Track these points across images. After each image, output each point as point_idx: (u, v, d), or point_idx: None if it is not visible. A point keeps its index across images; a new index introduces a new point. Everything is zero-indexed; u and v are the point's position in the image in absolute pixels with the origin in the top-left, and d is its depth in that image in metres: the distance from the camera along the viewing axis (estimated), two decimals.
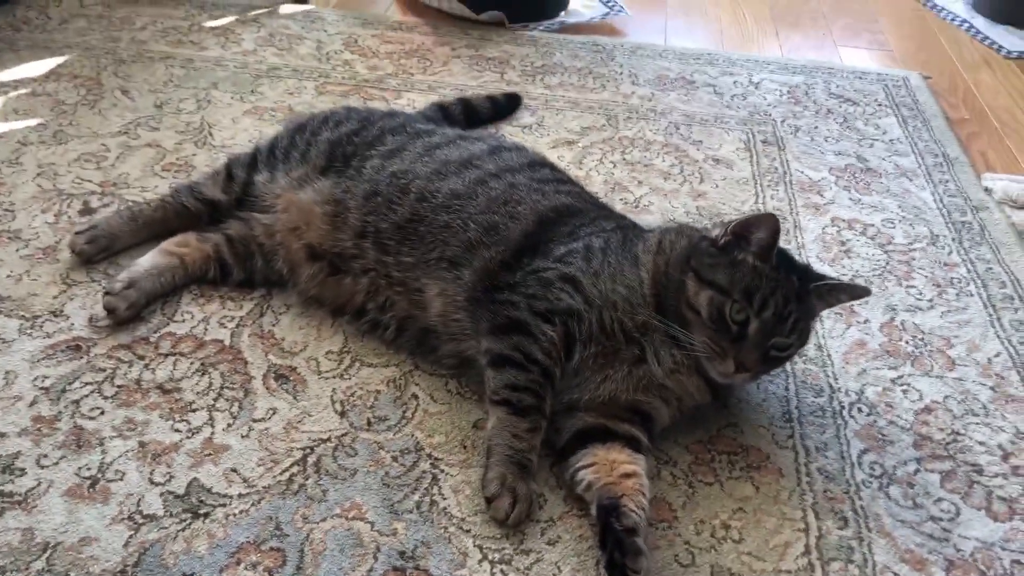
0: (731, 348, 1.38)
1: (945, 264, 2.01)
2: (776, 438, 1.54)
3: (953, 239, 2.10)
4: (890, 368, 1.71)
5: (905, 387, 1.67)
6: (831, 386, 1.65)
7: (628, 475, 1.35)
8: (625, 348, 1.45)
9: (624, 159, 2.31)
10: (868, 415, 1.60)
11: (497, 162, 1.69)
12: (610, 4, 3.28)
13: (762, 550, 1.34)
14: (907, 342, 1.78)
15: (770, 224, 1.40)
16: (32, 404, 1.48)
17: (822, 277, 1.49)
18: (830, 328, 1.78)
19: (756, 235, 1.42)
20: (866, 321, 1.82)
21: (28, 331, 1.61)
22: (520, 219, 1.57)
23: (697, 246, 1.48)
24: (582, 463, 1.39)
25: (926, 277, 1.96)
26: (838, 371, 1.69)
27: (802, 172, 2.32)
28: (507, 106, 2.46)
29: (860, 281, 1.92)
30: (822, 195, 2.23)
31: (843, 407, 1.61)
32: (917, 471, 1.50)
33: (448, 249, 1.56)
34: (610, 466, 1.37)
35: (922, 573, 1.33)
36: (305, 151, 1.77)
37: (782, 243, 1.83)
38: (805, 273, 1.48)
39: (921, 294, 1.91)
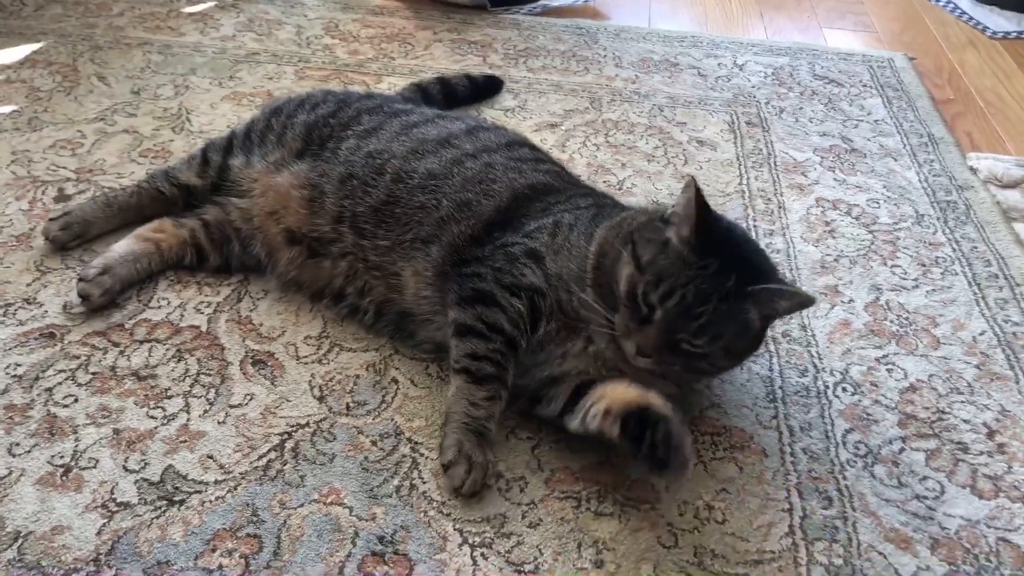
0: (637, 330, 1.32)
1: (930, 243, 1.99)
2: (760, 418, 1.52)
3: (938, 219, 2.08)
4: (875, 347, 1.69)
5: (890, 366, 1.65)
6: (815, 366, 1.64)
7: (644, 394, 1.33)
8: (580, 325, 1.42)
9: (608, 142, 2.29)
10: (853, 394, 1.59)
11: (475, 142, 1.67)
12: None
13: (746, 530, 1.33)
14: (892, 321, 1.76)
15: (688, 192, 1.31)
16: (4, 392, 1.45)
17: (768, 280, 1.34)
18: (814, 308, 1.77)
19: (677, 210, 1.35)
20: (851, 301, 1.80)
21: (0, 319, 1.59)
22: (494, 196, 1.56)
23: (648, 221, 1.41)
24: (591, 401, 1.36)
25: (911, 256, 1.95)
26: (822, 351, 1.67)
27: (786, 153, 2.30)
28: (486, 87, 2.43)
29: (844, 262, 1.91)
30: (806, 176, 2.22)
31: (827, 387, 1.60)
32: (902, 450, 1.49)
33: (422, 229, 1.54)
34: (623, 391, 1.34)
35: (907, 552, 1.32)
36: (281, 134, 1.74)
37: (767, 228, 1.82)
38: (752, 274, 1.33)
39: (906, 273, 1.90)
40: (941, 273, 1.90)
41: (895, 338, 1.72)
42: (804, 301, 1.36)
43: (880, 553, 1.31)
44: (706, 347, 1.31)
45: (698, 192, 1.31)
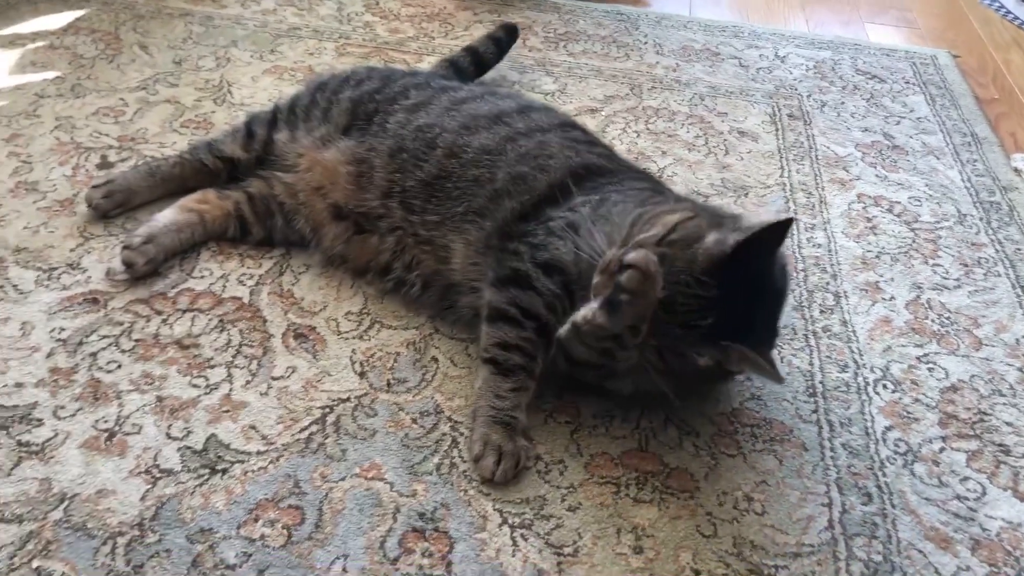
0: (615, 271, 1.26)
1: (972, 244, 1.98)
2: (800, 412, 1.52)
3: (981, 219, 2.06)
4: (916, 346, 1.68)
5: (931, 365, 1.64)
6: (856, 362, 1.63)
7: None
8: None
9: (648, 129, 2.28)
10: (893, 392, 1.58)
11: (527, 121, 1.66)
12: None
13: (785, 523, 1.32)
14: (933, 320, 1.75)
15: (765, 218, 1.27)
16: (49, 355, 1.46)
17: (755, 343, 1.29)
18: (855, 304, 1.76)
19: (742, 221, 1.33)
20: (891, 298, 1.79)
21: (45, 283, 1.60)
22: (549, 171, 1.55)
23: (718, 213, 1.41)
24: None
25: (953, 256, 1.93)
26: (863, 347, 1.66)
27: (828, 147, 2.28)
28: (507, 40, 2.39)
29: (886, 259, 1.89)
30: (848, 171, 2.20)
31: (868, 383, 1.59)
32: (943, 449, 1.48)
33: (474, 201, 1.54)
34: None
35: (947, 551, 1.31)
36: (327, 110, 1.74)
37: (808, 221, 1.81)
38: (743, 331, 1.27)
39: (948, 273, 1.88)
40: (984, 274, 1.88)
41: (936, 337, 1.71)
42: (770, 376, 1.30)
43: (920, 551, 1.30)
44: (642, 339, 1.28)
45: (779, 230, 1.27)
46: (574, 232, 1.43)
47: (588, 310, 1.29)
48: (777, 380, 1.31)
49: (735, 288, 1.27)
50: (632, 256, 1.22)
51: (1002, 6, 3.25)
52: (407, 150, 1.61)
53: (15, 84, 2.17)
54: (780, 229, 1.28)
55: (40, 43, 2.36)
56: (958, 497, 1.40)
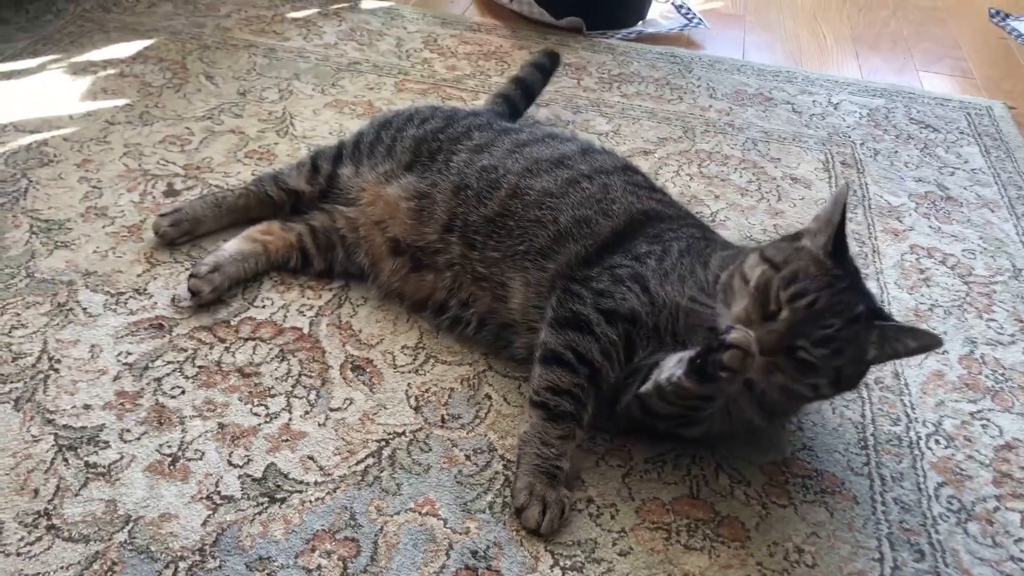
0: (760, 323, 1.30)
1: None
2: (851, 464, 1.52)
3: None
4: (969, 401, 1.67)
5: (984, 422, 1.63)
6: (908, 415, 1.63)
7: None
8: (672, 345, 1.41)
9: (701, 172, 2.30)
10: (946, 448, 1.57)
11: (591, 163, 1.69)
12: (689, 16, 3.27)
13: None
14: (987, 376, 1.74)
15: (839, 197, 1.35)
16: (116, 379, 1.50)
17: (888, 319, 1.36)
18: (908, 358, 1.75)
19: (817, 217, 1.39)
20: (945, 352, 1.78)
21: (113, 307, 1.65)
22: (612, 217, 1.57)
23: (773, 242, 1.45)
24: (667, 359, 1.36)
25: (1008, 311, 1.92)
26: (915, 400, 1.66)
27: (881, 197, 2.29)
28: (550, 65, 2.43)
29: (939, 312, 1.89)
30: (901, 221, 2.20)
31: (920, 438, 1.59)
32: (997, 509, 1.47)
33: (536, 241, 1.57)
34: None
35: None
36: (391, 147, 1.78)
37: (861, 271, 1.81)
38: (876, 311, 1.34)
39: (1002, 328, 1.87)
40: None
41: (990, 393, 1.70)
42: (932, 342, 1.33)
43: None
44: (823, 361, 1.29)
45: (842, 203, 1.33)
46: (641, 286, 1.45)
47: (674, 372, 1.30)
48: (938, 342, 1.33)
49: (851, 272, 1.35)
50: (734, 336, 1.22)
51: None
52: (471, 187, 1.65)
53: (87, 110, 2.24)
54: (843, 205, 1.35)
55: (111, 71, 2.44)
56: (1012, 558, 1.38)
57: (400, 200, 1.69)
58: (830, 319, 1.28)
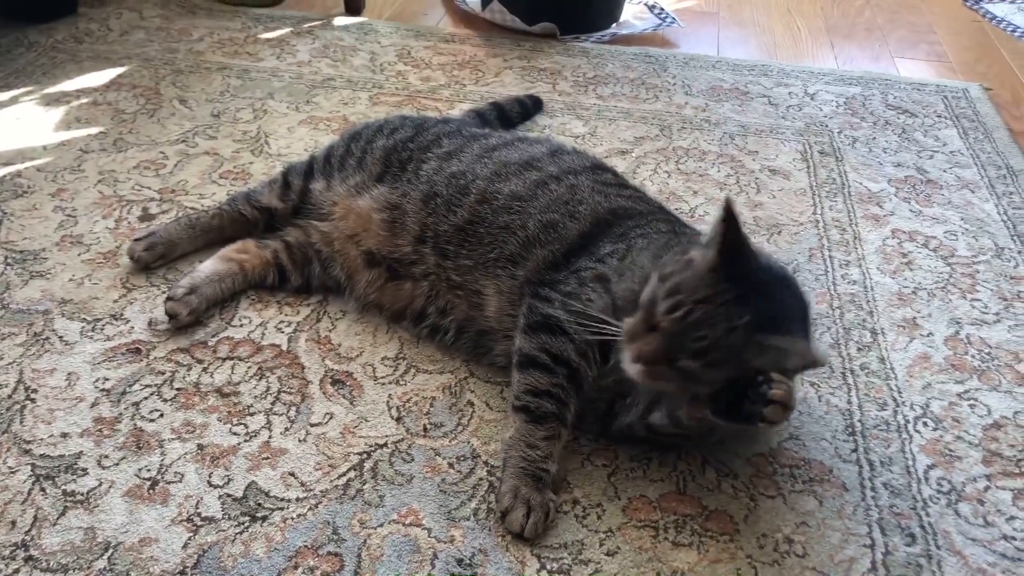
0: (641, 336, 1.28)
1: (1011, 277, 1.95)
2: (839, 451, 1.50)
3: (1019, 252, 2.04)
4: (956, 382, 1.66)
5: (972, 402, 1.62)
6: (895, 399, 1.61)
7: None
8: None
9: (679, 169, 2.29)
10: (934, 430, 1.56)
11: (559, 164, 1.68)
12: (662, 16, 3.27)
13: (827, 565, 1.31)
14: (973, 356, 1.73)
15: (720, 214, 1.26)
16: (93, 405, 1.49)
17: (785, 334, 1.26)
18: (893, 341, 1.74)
19: (709, 230, 1.32)
20: (930, 334, 1.77)
21: (89, 334, 1.63)
22: (579, 219, 1.56)
23: (691, 240, 1.41)
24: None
25: (991, 290, 1.91)
26: (902, 384, 1.65)
27: (861, 183, 2.28)
28: (533, 107, 2.47)
29: (923, 295, 1.88)
30: (882, 207, 2.19)
31: (908, 421, 1.57)
32: (987, 488, 1.45)
33: (507, 248, 1.56)
34: None
35: None
36: (361, 159, 1.77)
37: (842, 258, 1.80)
38: (770, 322, 1.25)
39: (987, 307, 1.86)
40: None
41: (977, 373, 1.69)
42: (810, 362, 1.28)
43: None
44: (702, 373, 1.26)
45: (729, 215, 1.26)
46: (603, 285, 1.44)
47: (696, 408, 1.30)
48: (817, 363, 1.29)
49: (746, 283, 1.27)
50: (776, 392, 1.22)
51: None
52: (440, 196, 1.64)
53: (60, 140, 2.24)
54: (731, 213, 1.26)
55: (84, 100, 2.44)
56: (1005, 537, 1.37)
57: (372, 212, 1.68)
58: (703, 331, 1.24)
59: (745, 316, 1.23)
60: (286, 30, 2.96)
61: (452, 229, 1.60)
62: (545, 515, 1.32)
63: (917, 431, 1.55)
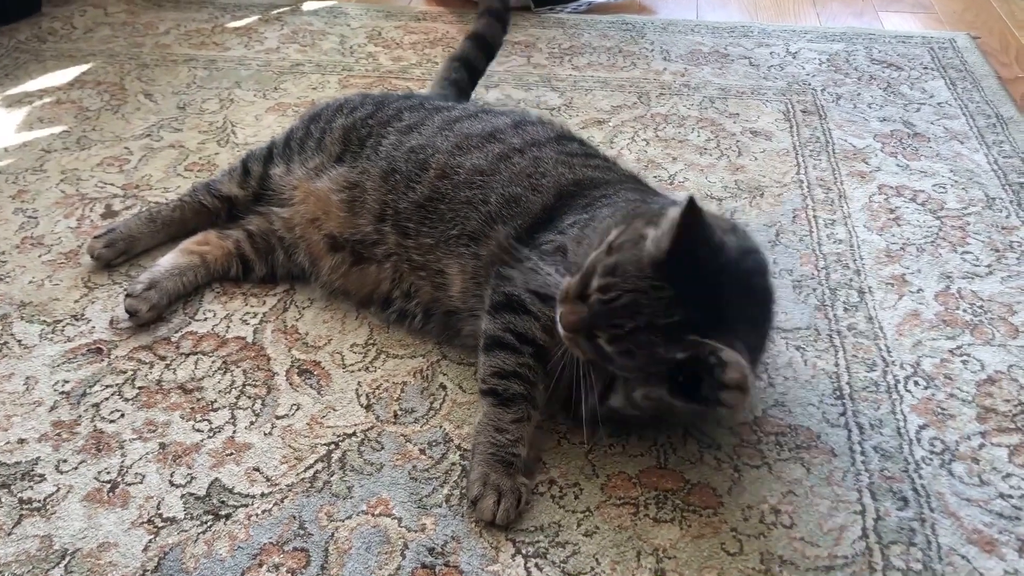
0: (572, 302, 1.23)
1: (1003, 228, 1.89)
2: (827, 416, 1.44)
3: (1011, 201, 1.97)
4: (948, 338, 1.60)
5: (965, 358, 1.56)
6: (884, 359, 1.55)
7: None
8: None
9: (657, 136, 2.23)
10: (926, 388, 1.50)
11: (522, 136, 1.62)
12: None
13: (815, 535, 1.25)
14: (965, 310, 1.66)
15: (674, 214, 1.18)
16: (52, 409, 1.44)
17: (723, 336, 1.16)
18: (881, 299, 1.68)
19: (664, 220, 1.22)
20: (919, 290, 1.71)
21: (49, 336, 1.59)
22: (542, 192, 1.50)
23: (657, 210, 1.32)
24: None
25: (983, 242, 1.84)
26: (891, 343, 1.59)
27: (845, 140, 2.21)
28: (492, 30, 2.29)
29: (911, 250, 1.81)
30: (867, 163, 2.12)
31: (898, 381, 1.51)
32: (982, 446, 1.39)
33: (468, 224, 1.50)
34: None
35: (992, 554, 1.23)
36: (320, 140, 1.71)
37: (827, 217, 1.74)
38: (710, 322, 1.16)
39: (978, 260, 1.79)
40: (1017, 258, 1.79)
41: (969, 328, 1.62)
42: (729, 381, 1.15)
43: (963, 557, 1.22)
44: (616, 357, 1.21)
45: (689, 213, 1.16)
46: (562, 255, 1.38)
47: (651, 389, 1.24)
48: (737, 383, 1.16)
49: (692, 282, 1.18)
50: (731, 376, 1.15)
51: None
52: (399, 172, 1.58)
53: (22, 141, 2.18)
54: (692, 214, 1.17)
55: (47, 99, 2.38)
56: (1001, 496, 1.31)
57: (331, 193, 1.62)
58: (624, 320, 1.18)
59: (675, 317, 1.16)
60: (254, 18, 2.89)
61: (412, 206, 1.54)
62: (517, 501, 1.26)
63: (908, 391, 1.49)
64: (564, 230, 1.42)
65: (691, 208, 1.17)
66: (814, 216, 1.92)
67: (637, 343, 1.19)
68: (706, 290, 1.19)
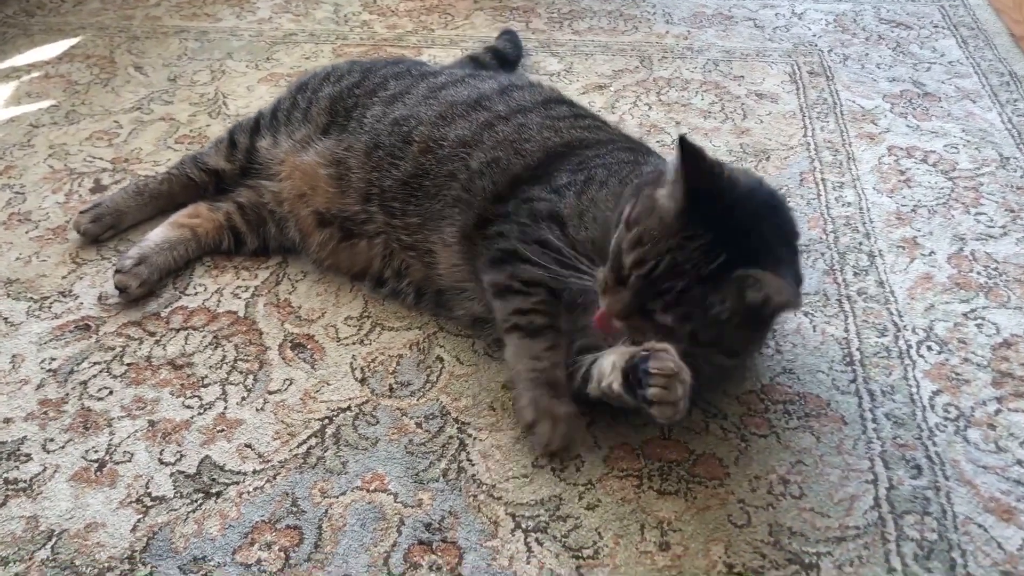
0: (612, 289, 1.17)
1: (1018, 188, 1.82)
2: (836, 383, 1.40)
3: None
4: (961, 301, 1.55)
5: (979, 321, 1.51)
6: (896, 324, 1.50)
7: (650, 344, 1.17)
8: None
9: (660, 100, 2.16)
10: (939, 353, 1.45)
11: (508, 102, 1.56)
12: None
13: (826, 505, 1.21)
14: (979, 273, 1.61)
15: (675, 154, 1.14)
16: (39, 387, 1.41)
17: (768, 266, 1.12)
18: (892, 263, 1.63)
19: (669, 168, 1.17)
20: (931, 253, 1.65)
21: (36, 313, 1.55)
22: (525, 155, 1.45)
23: (658, 173, 1.24)
24: (605, 360, 1.23)
25: (997, 202, 1.78)
26: (903, 308, 1.53)
27: (853, 101, 2.15)
28: (518, 41, 2.33)
29: (922, 212, 1.75)
30: (876, 124, 2.06)
31: (910, 346, 1.46)
32: (998, 411, 1.34)
33: (449, 194, 1.45)
34: (631, 348, 1.20)
35: (1010, 523, 1.18)
36: (307, 110, 1.66)
37: (836, 180, 1.69)
38: (753, 254, 1.12)
39: (992, 221, 1.73)
40: None
41: (983, 290, 1.57)
42: (783, 302, 1.14)
43: (979, 526, 1.18)
44: (676, 325, 1.15)
45: (687, 154, 1.12)
46: (560, 227, 1.32)
47: (611, 382, 1.19)
48: (788, 304, 1.15)
49: (720, 220, 1.14)
50: (654, 365, 1.11)
51: None
52: (383, 147, 1.52)
53: (10, 116, 2.13)
54: (690, 151, 1.13)
55: (35, 74, 2.33)
56: (1019, 462, 1.26)
57: (318, 167, 1.57)
58: (667, 283, 1.13)
59: (718, 259, 1.11)
60: None
61: (396, 184, 1.49)
62: (569, 425, 1.24)
63: (920, 356, 1.44)
64: (559, 191, 1.37)
65: (686, 146, 1.12)
66: (822, 179, 1.86)
67: (691, 301, 1.13)
68: (736, 223, 1.14)
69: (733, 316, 1.14)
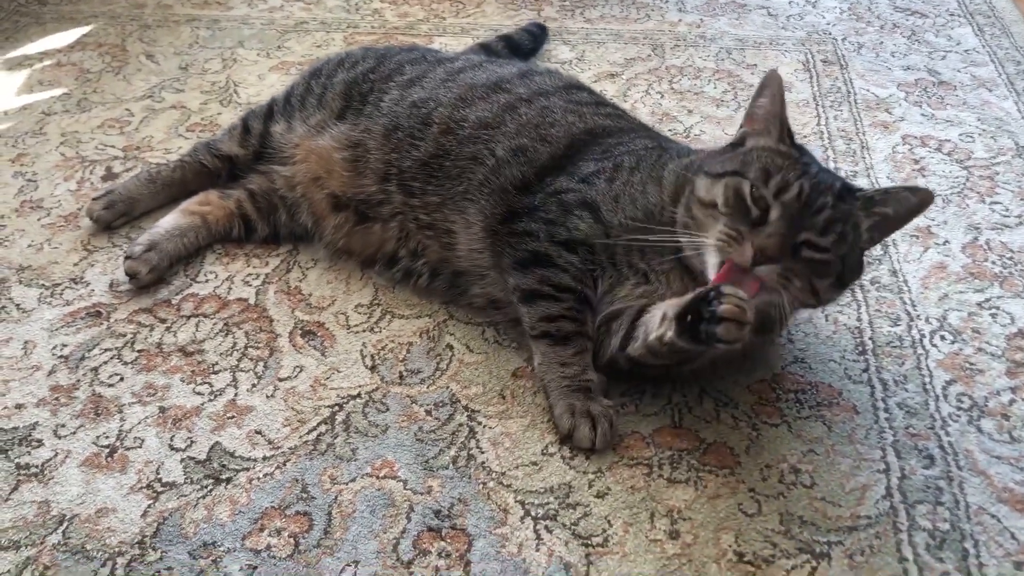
0: (749, 233, 1.17)
1: None
2: (849, 372, 1.39)
3: None
4: (975, 291, 1.53)
5: (994, 311, 1.49)
6: (909, 313, 1.49)
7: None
8: (630, 272, 1.33)
9: (672, 88, 2.15)
10: (952, 343, 1.44)
11: (529, 85, 1.56)
12: None
13: (837, 494, 1.20)
14: (994, 262, 1.60)
15: (771, 86, 1.27)
16: (50, 373, 1.41)
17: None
18: (905, 252, 1.62)
19: (760, 102, 1.29)
20: (945, 242, 1.64)
21: (48, 300, 1.55)
22: (550, 142, 1.45)
23: (715, 151, 1.33)
24: (648, 317, 1.27)
25: (1013, 191, 1.77)
26: (916, 297, 1.52)
27: (867, 90, 2.13)
28: (540, 35, 2.33)
29: (937, 201, 1.73)
30: (891, 112, 2.04)
31: (923, 335, 1.45)
32: (1012, 401, 1.33)
33: (475, 178, 1.45)
34: (677, 300, 1.24)
35: None
36: (321, 95, 1.66)
37: (849, 169, 1.68)
38: (850, 187, 1.26)
39: (1008, 210, 1.72)
40: None
41: (998, 280, 1.56)
42: (922, 197, 1.24)
43: (992, 516, 1.17)
44: (832, 248, 1.18)
45: (771, 75, 1.24)
46: (592, 213, 1.34)
47: (665, 332, 1.20)
48: (927, 198, 1.24)
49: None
50: (725, 308, 1.11)
51: None
52: (402, 128, 1.52)
53: (22, 104, 2.14)
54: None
55: (47, 62, 2.33)
56: None
57: (333, 151, 1.56)
58: (822, 199, 1.18)
59: (837, 182, 1.22)
60: None
61: (416, 164, 1.49)
62: (610, 423, 1.25)
63: (934, 345, 1.43)
64: (588, 179, 1.37)
65: (777, 78, 1.29)
66: (835, 168, 1.84)
67: (844, 217, 1.20)
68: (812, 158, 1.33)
69: (870, 236, 1.24)
